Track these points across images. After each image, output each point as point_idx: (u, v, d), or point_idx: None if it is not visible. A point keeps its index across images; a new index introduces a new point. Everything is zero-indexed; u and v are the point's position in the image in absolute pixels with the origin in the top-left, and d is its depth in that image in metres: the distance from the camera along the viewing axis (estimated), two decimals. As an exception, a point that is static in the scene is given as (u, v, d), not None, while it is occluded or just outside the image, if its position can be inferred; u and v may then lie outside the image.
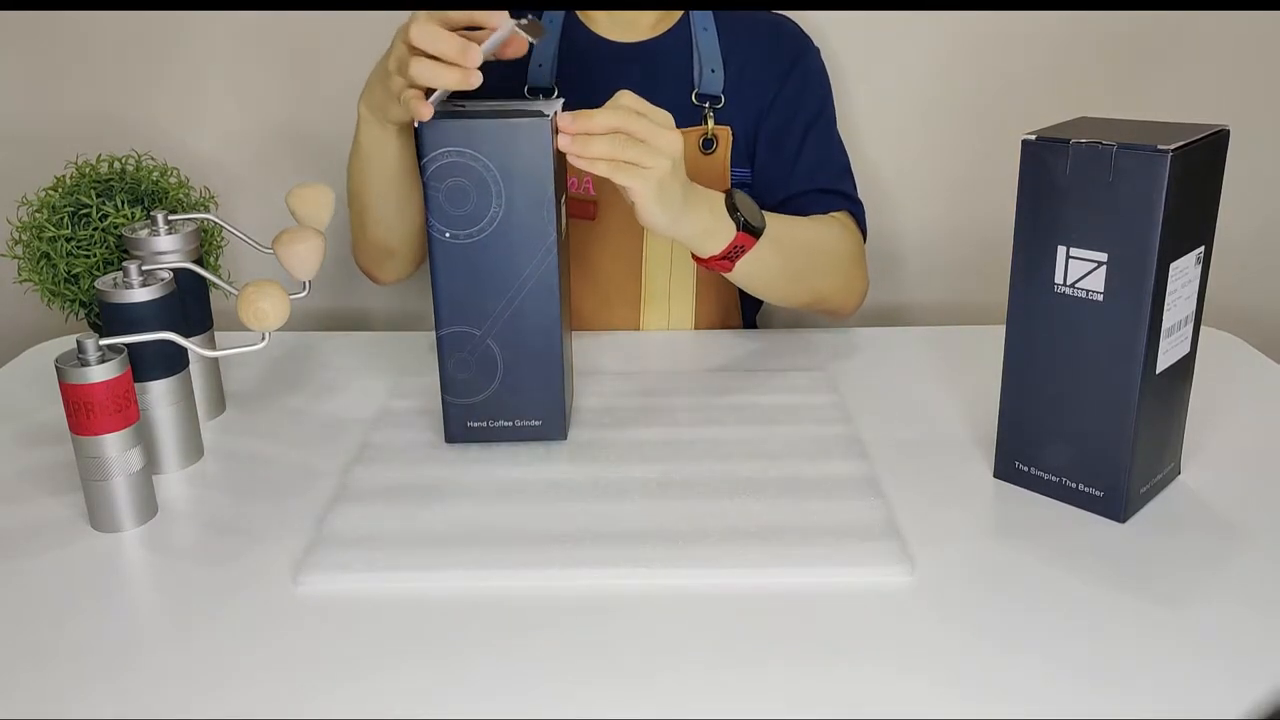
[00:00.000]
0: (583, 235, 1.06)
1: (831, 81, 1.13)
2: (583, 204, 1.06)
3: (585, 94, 0.92)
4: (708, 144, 1.06)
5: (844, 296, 1.05)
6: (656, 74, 1.07)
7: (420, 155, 0.76)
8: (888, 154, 1.33)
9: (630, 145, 0.77)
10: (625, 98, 0.79)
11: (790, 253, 0.95)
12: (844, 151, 1.12)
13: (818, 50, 1.12)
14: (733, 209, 0.86)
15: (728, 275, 0.90)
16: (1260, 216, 1.34)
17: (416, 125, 0.75)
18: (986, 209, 1.34)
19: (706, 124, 1.06)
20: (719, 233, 0.86)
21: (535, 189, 0.76)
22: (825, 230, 1.02)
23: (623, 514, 0.73)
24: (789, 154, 1.08)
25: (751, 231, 0.87)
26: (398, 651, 0.61)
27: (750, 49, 1.08)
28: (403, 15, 1.24)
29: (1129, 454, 0.70)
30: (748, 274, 0.91)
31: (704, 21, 1.08)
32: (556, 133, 0.76)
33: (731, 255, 0.88)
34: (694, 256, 0.89)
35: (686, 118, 1.06)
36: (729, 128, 1.07)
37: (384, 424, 0.87)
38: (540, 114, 0.75)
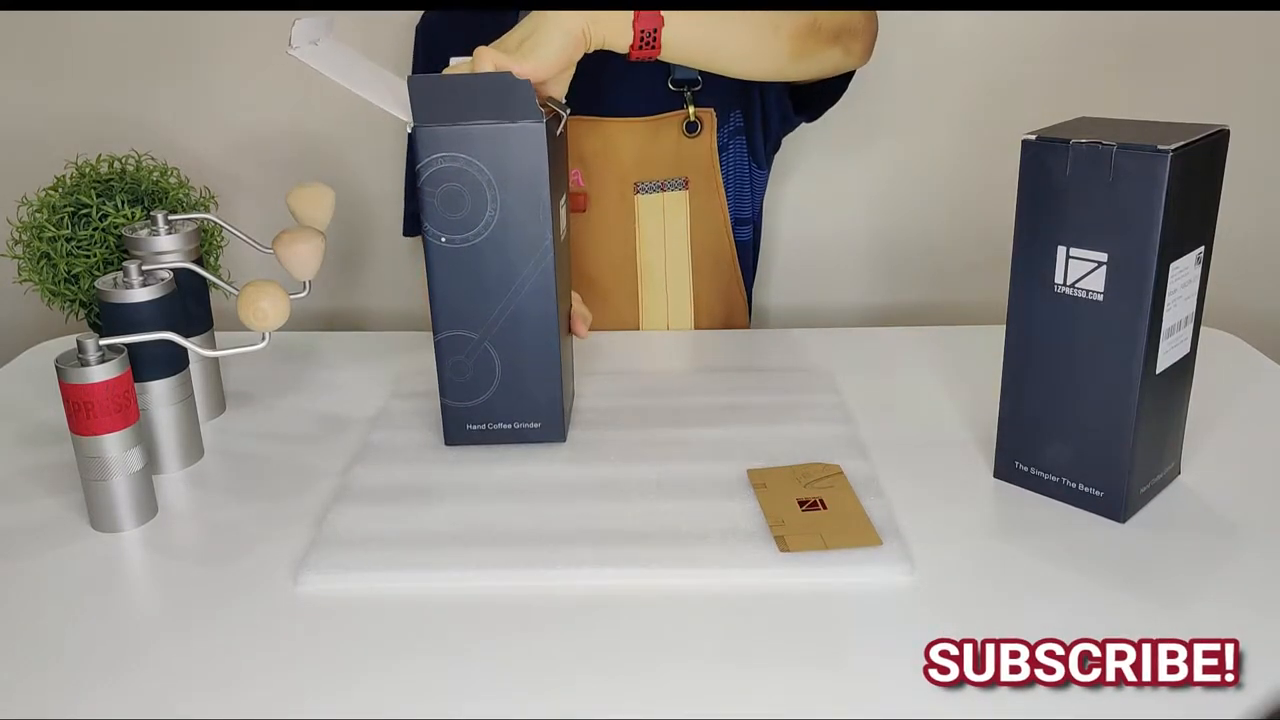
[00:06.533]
0: (574, 228, 1.06)
1: None
2: (572, 196, 1.05)
3: None
4: (691, 127, 1.05)
5: (845, 15, 0.92)
6: (628, 63, 1.06)
7: (414, 160, 0.76)
8: (888, 154, 1.33)
9: None
10: (484, 59, 0.76)
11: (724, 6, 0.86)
12: None
13: None
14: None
15: (667, 58, 0.84)
16: (1260, 216, 1.34)
17: (410, 130, 0.75)
18: (986, 209, 1.34)
19: (687, 108, 1.05)
20: (613, 19, 0.81)
21: (530, 192, 0.76)
22: None
23: (623, 514, 0.73)
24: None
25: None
26: (398, 651, 0.61)
27: None
28: (403, 15, 1.26)
29: (1129, 454, 0.70)
30: (686, 42, 0.84)
31: None
32: (560, 134, 0.76)
33: (647, 37, 0.82)
34: (628, 58, 0.84)
35: (666, 104, 1.05)
36: (712, 110, 1.06)
37: (384, 424, 0.87)
38: (534, 118, 0.75)
